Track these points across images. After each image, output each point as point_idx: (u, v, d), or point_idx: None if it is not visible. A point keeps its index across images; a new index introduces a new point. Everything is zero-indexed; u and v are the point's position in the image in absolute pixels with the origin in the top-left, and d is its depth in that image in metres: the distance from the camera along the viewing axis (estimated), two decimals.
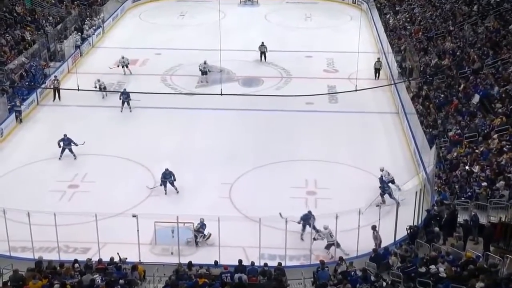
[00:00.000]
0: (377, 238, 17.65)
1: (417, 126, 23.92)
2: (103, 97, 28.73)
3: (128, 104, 27.16)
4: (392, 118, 27.45)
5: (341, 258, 16.35)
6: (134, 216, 17.21)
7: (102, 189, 21.44)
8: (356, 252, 17.40)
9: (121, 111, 27.01)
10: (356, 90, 20.83)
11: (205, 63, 29.99)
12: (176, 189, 21.06)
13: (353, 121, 26.98)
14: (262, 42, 33.40)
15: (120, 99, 27.20)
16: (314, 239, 17.74)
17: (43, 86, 29.30)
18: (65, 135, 23.18)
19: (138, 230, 17.18)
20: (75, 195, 21.32)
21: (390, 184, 20.86)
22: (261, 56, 33.28)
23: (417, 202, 18.06)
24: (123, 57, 31.53)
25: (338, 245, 17.66)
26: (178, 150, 24.18)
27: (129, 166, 23.09)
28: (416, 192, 18.08)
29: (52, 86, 29.03)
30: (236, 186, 21.65)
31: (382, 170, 21.26)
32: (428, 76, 27.47)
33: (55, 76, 29.67)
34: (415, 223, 17.97)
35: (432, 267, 14.60)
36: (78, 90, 20.99)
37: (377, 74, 30.64)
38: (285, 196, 20.87)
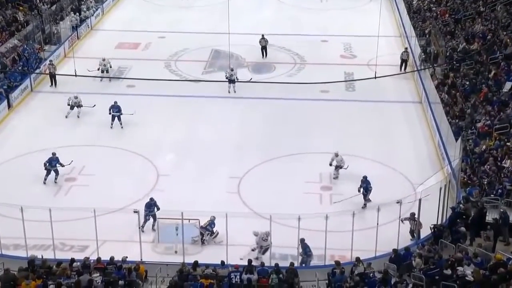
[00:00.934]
0: (418, 225, 17.82)
1: (442, 117, 23.79)
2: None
3: (119, 119, 24.88)
4: (415, 108, 27.34)
5: (358, 259, 16.32)
6: (135, 211, 17.27)
7: (101, 183, 21.49)
8: (375, 252, 17.38)
9: (111, 127, 24.84)
10: (375, 77, 20.81)
11: (232, 70, 27.61)
12: (153, 225, 18.90)
13: (372, 111, 26.87)
14: (263, 35, 31.93)
15: (110, 113, 24.97)
16: (252, 250, 17.73)
17: (37, 71, 29.37)
18: (53, 154, 21.59)
19: (139, 227, 17.22)
20: (72, 189, 21.40)
21: (335, 170, 21.41)
22: (262, 52, 31.96)
23: (441, 199, 18.01)
24: (104, 59, 28.92)
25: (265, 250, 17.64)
26: (183, 141, 24.19)
27: (131, 158, 23.14)
28: (441, 188, 18.01)
29: (47, 71, 29.06)
30: (245, 180, 21.63)
31: (337, 155, 21.42)
32: (455, 62, 27.26)
33: (50, 61, 29.70)
34: (440, 222, 17.91)
35: (459, 269, 14.52)
36: (76, 76, 21.04)
37: (403, 66, 30.19)
38: (297, 191, 20.87)
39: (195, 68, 31.00)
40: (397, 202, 17.48)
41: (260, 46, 32.02)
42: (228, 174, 21.94)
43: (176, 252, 18.07)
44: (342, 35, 35.03)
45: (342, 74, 30.07)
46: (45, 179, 21.42)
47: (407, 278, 15.26)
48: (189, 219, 17.86)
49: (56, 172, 21.50)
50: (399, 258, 16.38)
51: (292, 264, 16.41)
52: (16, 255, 17.60)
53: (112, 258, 16.26)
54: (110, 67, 28.90)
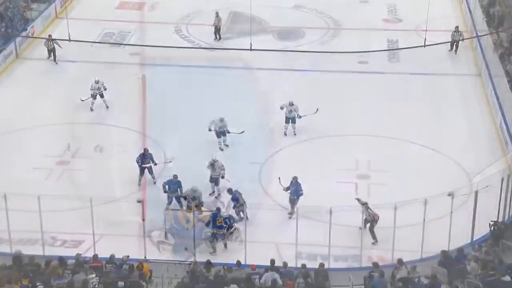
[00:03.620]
0: (370, 215, 17.85)
1: (507, 93, 23.61)
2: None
3: (151, 172, 21.01)
4: (472, 81, 27.19)
5: (400, 261, 16.34)
6: (139, 201, 17.38)
7: (99, 167, 21.68)
8: (420, 253, 17.35)
9: (139, 184, 20.95)
10: (425, 46, 20.73)
11: (291, 104, 23.28)
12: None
13: (420, 86, 26.75)
14: (217, 13, 30.61)
15: (138, 164, 20.90)
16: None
17: (23, 34, 29.44)
18: (175, 177, 19.58)
19: (143, 220, 17.35)
20: (65, 174, 21.54)
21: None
22: (215, 34, 30.60)
23: (503, 191, 17.89)
24: (97, 82, 25.05)
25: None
26: (196, 119, 24.19)
27: (134, 139, 23.25)
28: (503, 179, 17.89)
29: (47, 47, 28.48)
30: (267, 166, 21.66)
31: (214, 161, 20.40)
32: None
33: (49, 35, 29.10)
34: (501, 219, 17.81)
35: None
36: (69, 41, 21.11)
37: (454, 47, 29.28)
38: (329, 180, 20.86)
39: (210, 33, 30.96)
40: (449, 195, 17.40)
41: (214, 26, 30.58)
42: (248, 159, 21.99)
43: (186, 249, 18.14)
44: None
45: (385, 41, 29.95)
46: (167, 207, 19.43)
47: (459, 285, 15.25)
48: (201, 211, 17.96)
49: (178, 199, 19.70)
50: (450, 261, 16.36)
51: (322, 265, 16.44)
52: None
53: (112, 257, 16.39)
54: (105, 89, 25.24)
